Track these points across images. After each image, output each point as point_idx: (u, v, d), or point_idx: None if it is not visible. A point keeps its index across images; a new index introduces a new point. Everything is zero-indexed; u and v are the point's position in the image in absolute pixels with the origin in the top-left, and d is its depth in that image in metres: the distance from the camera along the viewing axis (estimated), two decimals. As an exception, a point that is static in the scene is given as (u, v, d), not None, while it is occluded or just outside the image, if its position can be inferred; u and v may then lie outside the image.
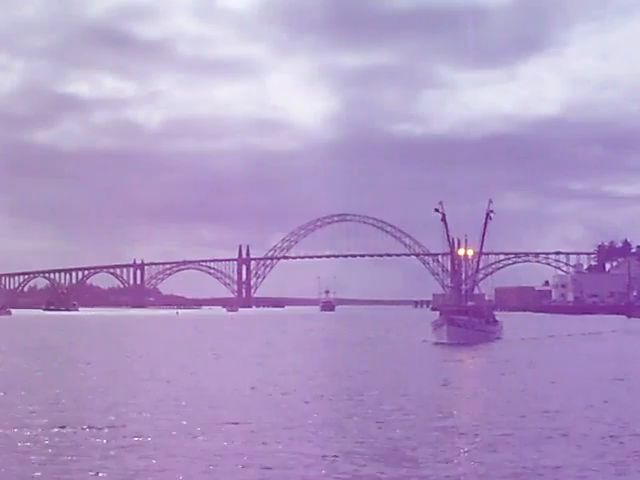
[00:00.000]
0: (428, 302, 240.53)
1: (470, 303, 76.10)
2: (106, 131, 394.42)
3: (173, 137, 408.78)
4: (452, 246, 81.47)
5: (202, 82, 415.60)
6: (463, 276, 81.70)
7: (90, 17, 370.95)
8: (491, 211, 79.91)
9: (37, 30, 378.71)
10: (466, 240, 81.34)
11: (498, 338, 72.00)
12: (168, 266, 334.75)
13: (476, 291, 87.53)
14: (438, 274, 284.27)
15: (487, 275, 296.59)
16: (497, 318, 78.36)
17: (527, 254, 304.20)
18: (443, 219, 76.65)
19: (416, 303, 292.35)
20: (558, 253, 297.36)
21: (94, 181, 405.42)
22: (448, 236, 78.20)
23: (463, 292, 78.54)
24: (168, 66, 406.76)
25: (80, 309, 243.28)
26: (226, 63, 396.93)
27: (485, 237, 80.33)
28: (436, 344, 63.78)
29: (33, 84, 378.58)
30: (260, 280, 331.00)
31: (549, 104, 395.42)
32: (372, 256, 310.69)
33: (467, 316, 68.64)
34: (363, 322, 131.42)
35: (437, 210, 76.51)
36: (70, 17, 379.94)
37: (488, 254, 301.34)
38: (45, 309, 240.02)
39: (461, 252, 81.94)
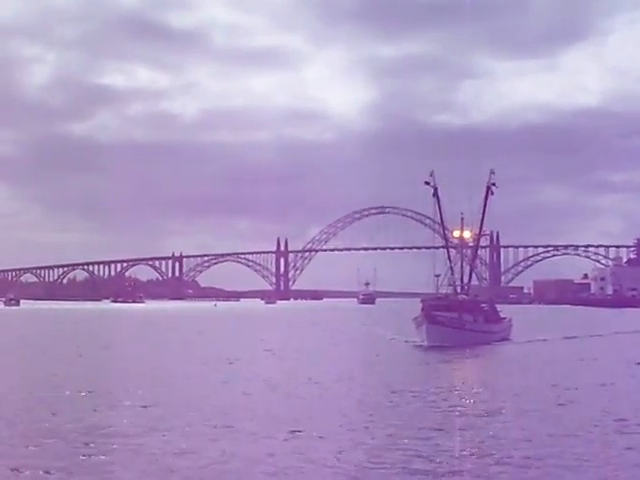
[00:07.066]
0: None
1: (461, 296, 64.46)
2: (141, 123, 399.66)
3: (209, 128, 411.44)
4: (444, 227, 70.14)
5: (237, 72, 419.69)
6: (460, 262, 69.57)
7: (124, 7, 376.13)
8: (493, 184, 68.40)
9: (70, 21, 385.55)
10: (462, 219, 68.84)
11: (503, 339, 61.33)
12: (206, 258, 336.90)
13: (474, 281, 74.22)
14: (476, 266, 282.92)
15: (525, 268, 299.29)
16: (504, 315, 68.08)
17: (566, 247, 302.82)
18: (435, 194, 67.20)
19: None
20: (588, 246, 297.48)
21: (130, 173, 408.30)
22: (441, 215, 68.74)
23: (458, 282, 66.73)
24: (203, 56, 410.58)
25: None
26: (262, 53, 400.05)
27: (485, 215, 69.01)
28: (417, 346, 54.82)
29: (67, 76, 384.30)
30: (298, 272, 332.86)
31: (589, 94, 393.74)
32: (410, 249, 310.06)
33: (457, 312, 58.20)
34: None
35: (427, 183, 67.02)
36: (104, 7, 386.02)
37: (527, 247, 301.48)
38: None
39: (457, 234, 69.08)
